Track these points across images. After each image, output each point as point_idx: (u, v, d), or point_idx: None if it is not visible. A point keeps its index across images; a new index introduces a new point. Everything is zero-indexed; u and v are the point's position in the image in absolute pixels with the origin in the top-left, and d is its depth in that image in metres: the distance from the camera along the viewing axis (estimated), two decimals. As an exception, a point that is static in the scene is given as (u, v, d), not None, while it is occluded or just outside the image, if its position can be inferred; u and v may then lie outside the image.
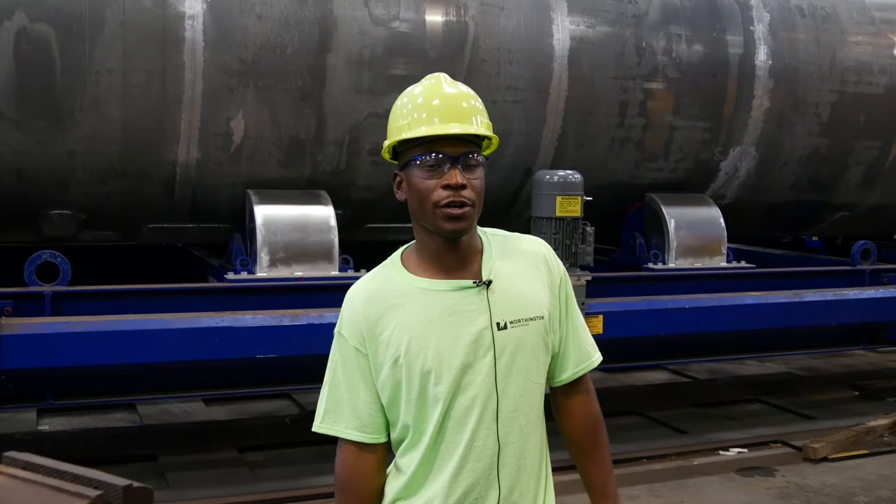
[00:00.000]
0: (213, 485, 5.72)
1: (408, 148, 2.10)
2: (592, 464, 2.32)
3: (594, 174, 6.17)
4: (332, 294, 5.20)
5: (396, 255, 2.22)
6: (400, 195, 2.15)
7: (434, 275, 2.13)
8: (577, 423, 2.30)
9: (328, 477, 5.71)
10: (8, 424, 6.68)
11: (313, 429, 2.21)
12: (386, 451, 2.20)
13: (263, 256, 5.39)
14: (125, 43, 5.06)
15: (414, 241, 2.21)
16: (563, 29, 6.06)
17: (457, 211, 2.05)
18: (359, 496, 2.18)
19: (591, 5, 6.19)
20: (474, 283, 2.12)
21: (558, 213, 5.66)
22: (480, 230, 2.22)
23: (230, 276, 5.43)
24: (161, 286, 5.42)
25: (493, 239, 2.22)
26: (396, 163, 2.16)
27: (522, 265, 2.20)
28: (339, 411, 2.16)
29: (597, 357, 2.33)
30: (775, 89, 6.76)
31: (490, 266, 2.15)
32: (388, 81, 5.59)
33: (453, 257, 2.13)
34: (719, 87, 6.63)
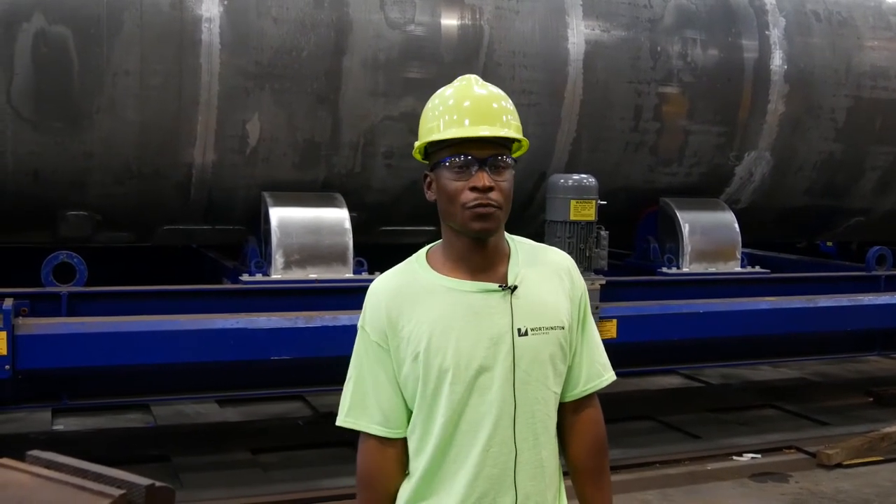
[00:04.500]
0: (226, 486, 5.73)
1: (438, 149, 2.11)
2: (595, 490, 2.29)
3: (608, 178, 6.16)
4: (347, 296, 5.22)
5: (422, 252, 2.22)
6: (430, 195, 2.16)
7: (460, 275, 2.13)
8: (583, 444, 2.28)
9: (341, 479, 5.73)
10: (23, 424, 6.72)
11: (337, 423, 2.20)
12: (406, 447, 2.18)
13: (278, 258, 5.41)
14: (142, 45, 5.08)
15: (440, 240, 2.20)
16: (578, 33, 6.06)
17: (483, 210, 2.05)
18: (382, 492, 2.17)
19: (606, 9, 6.19)
20: (500, 286, 2.12)
21: (572, 217, 5.66)
22: (508, 236, 2.22)
23: (245, 277, 5.44)
24: (176, 287, 5.43)
25: (520, 246, 2.22)
26: (427, 163, 2.17)
27: (547, 274, 2.20)
28: (364, 406, 2.16)
29: (608, 376, 2.30)
30: (790, 94, 6.75)
31: (516, 271, 2.15)
32: (403, 84, 5.61)
33: (480, 259, 2.13)
34: (734, 92, 6.61)
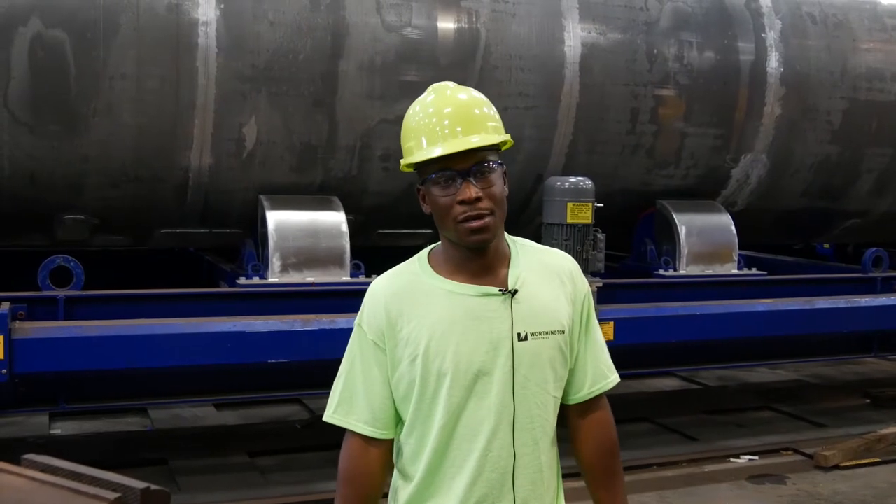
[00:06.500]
0: (223, 489, 5.73)
1: (424, 164, 2.10)
2: (607, 493, 2.29)
3: (605, 180, 6.17)
4: (344, 299, 5.23)
5: (423, 254, 2.21)
6: (426, 208, 2.15)
7: (460, 278, 2.13)
8: (592, 447, 2.28)
9: (339, 482, 5.74)
10: (21, 428, 6.72)
11: (324, 418, 2.21)
12: (391, 449, 2.20)
13: (275, 262, 5.41)
14: (139, 49, 5.09)
15: (440, 242, 2.20)
16: (575, 36, 6.07)
17: (476, 223, 2.04)
18: (362, 490, 2.18)
19: (602, 12, 6.19)
20: (500, 290, 2.11)
21: (569, 220, 5.66)
22: (509, 238, 2.22)
23: (242, 281, 5.45)
24: (173, 291, 5.43)
25: (521, 248, 2.21)
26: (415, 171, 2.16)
27: (548, 278, 2.19)
28: (352, 403, 2.16)
29: (613, 378, 2.31)
30: (787, 96, 6.76)
31: (517, 275, 2.14)
32: (399, 88, 5.61)
33: (480, 263, 2.13)
34: (730, 95, 6.62)
